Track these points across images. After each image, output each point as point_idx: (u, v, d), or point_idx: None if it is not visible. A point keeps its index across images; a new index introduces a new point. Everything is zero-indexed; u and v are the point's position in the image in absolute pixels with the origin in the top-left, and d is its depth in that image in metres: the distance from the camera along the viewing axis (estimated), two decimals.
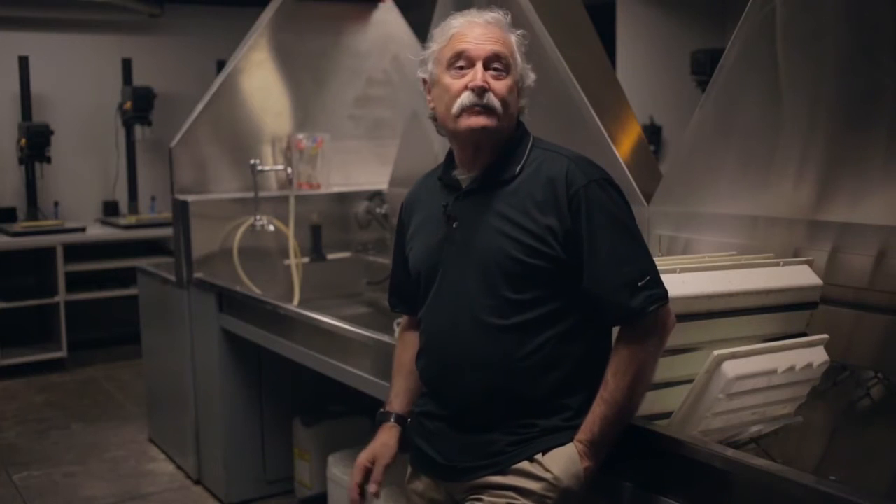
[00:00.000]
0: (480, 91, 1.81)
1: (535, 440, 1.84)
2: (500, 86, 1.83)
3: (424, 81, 1.94)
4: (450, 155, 1.98)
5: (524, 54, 1.90)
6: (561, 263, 1.81)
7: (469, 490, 1.88)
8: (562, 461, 1.81)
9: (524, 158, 1.88)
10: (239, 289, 3.82)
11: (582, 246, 1.80)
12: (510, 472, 1.83)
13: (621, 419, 1.81)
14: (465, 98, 1.82)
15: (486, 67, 1.82)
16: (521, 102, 1.91)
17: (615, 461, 1.91)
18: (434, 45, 1.89)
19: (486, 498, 1.84)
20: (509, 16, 1.91)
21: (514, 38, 1.88)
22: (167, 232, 5.35)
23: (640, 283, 1.78)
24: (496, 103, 1.82)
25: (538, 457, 1.82)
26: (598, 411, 1.80)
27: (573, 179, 1.81)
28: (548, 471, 1.80)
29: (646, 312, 1.78)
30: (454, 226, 1.90)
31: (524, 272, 1.81)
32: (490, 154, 1.89)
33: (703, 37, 6.03)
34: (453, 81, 1.84)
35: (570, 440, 1.83)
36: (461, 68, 1.83)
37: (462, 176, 1.93)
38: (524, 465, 1.82)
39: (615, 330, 1.87)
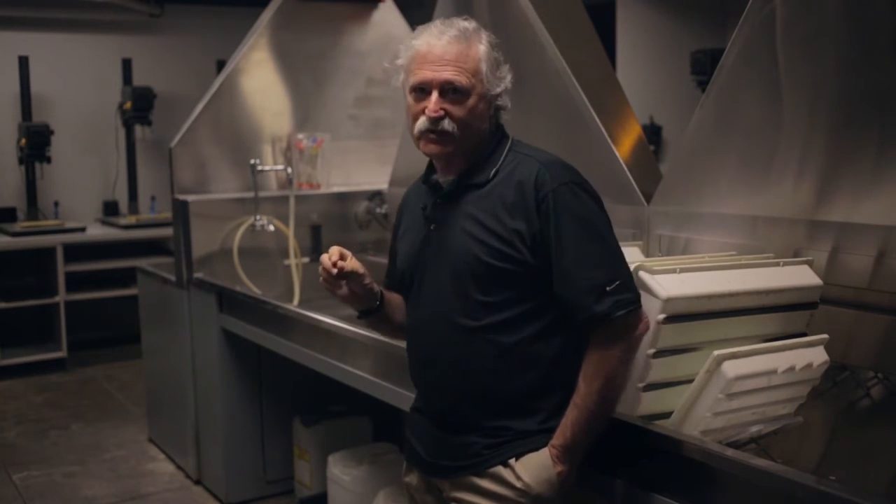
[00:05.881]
0: (435, 119, 1.84)
1: (509, 443, 1.87)
2: (458, 109, 1.85)
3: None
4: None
5: (496, 59, 1.90)
6: (529, 267, 1.83)
7: (451, 487, 1.93)
8: (534, 468, 1.85)
9: (500, 162, 1.91)
10: (239, 289, 3.82)
11: (550, 249, 1.82)
12: (486, 475, 1.88)
13: (594, 423, 1.84)
14: (421, 123, 1.87)
15: (443, 93, 1.85)
16: (500, 102, 1.92)
17: (615, 461, 1.91)
18: (399, 61, 1.92)
19: (465, 499, 1.90)
20: (473, 23, 1.91)
21: (481, 48, 1.88)
22: (167, 232, 5.36)
23: (608, 288, 1.79)
24: (451, 128, 1.85)
25: (512, 462, 1.86)
26: (570, 416, 1.83)
27: (542, 183, 1.83)
28: (519, 478, 1.84)
29: (612, 317, 1.79)
30: (432, 228, 1.95)
31: (492, 274, 1.84)
32: (465, 160, 1.92)
33: (703, 37, 6.02)
34: (414, 104, 1.89)
35: (544, 444, 1.86)
36: (421, 91, 1.87)
37: (442, 179, 1.97)
38: (498, 469, 1.87)
39: None
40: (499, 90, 1.91)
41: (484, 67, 1.87)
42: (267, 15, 4.40)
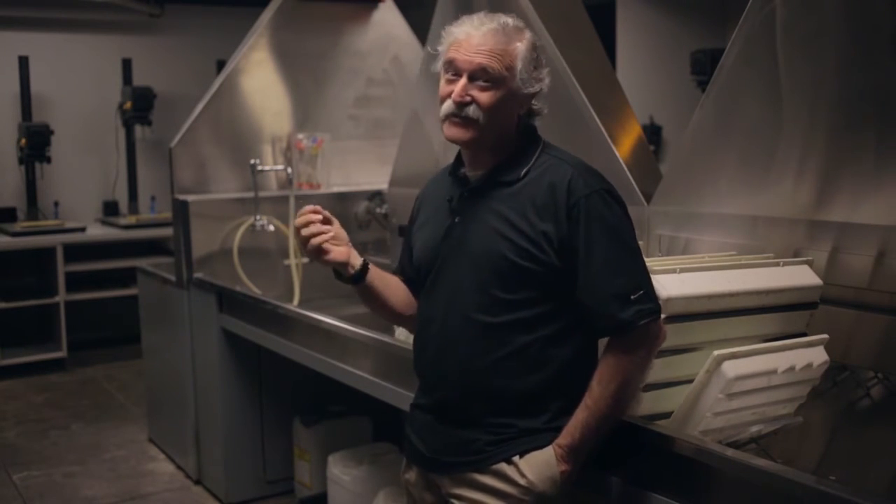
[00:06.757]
0: (460, 104, 1.85)
1: (513, 440, 1.87)
2: (485, 97, 1.85)
3: None
4: (460, 151, 2.01)
5: (534, 59, 1.89)
6: (553, 269, 1.83)
7: (451, 483, 1.93)
8: (537, 465, 1.85)
9: (531, 162, 1.91)
10: (239, 289, 3.83)
11: (577, 255, 1.82)
12: (488, 472, 1.88)
13: (603, 427, 1.84)
14: (447, 107, 1.88)
15: (473, 79, 1.85)
16: (535, 105, 1.93)
17: (615, 461, 1.91)
18: (441, 46, 1.93)
19: (465, 495, 1.89)
20: (519, 21, 1.91)
21: (519, 45, 1.87)
22: (167, 232, 5.36)
23: (632, 297, 1.80)
24: (476, 114, 1.85)
25: (515, 459, 1.86)
26: (580, 417, 1.83)
27: (575, 188, 1.83)
28: (523, 475, 1.85)
29: (635, 325, 1.80)
30: (456, 220, 1.95)
31: (515, 273, 1.84)
32: (492, 155, 1.93)
33: (703, 37, 6.03)
34: (444, 87, 1.89)
35: (548, 442, 1.86)
36: (452, 75, 1.88)
37: (470, 173, 1.96)
38: (501, 466, 1.87)
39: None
40: (532, 91, 1.90)
41: (519, 65, 1.86)
42: (267, 15, 4.40)
